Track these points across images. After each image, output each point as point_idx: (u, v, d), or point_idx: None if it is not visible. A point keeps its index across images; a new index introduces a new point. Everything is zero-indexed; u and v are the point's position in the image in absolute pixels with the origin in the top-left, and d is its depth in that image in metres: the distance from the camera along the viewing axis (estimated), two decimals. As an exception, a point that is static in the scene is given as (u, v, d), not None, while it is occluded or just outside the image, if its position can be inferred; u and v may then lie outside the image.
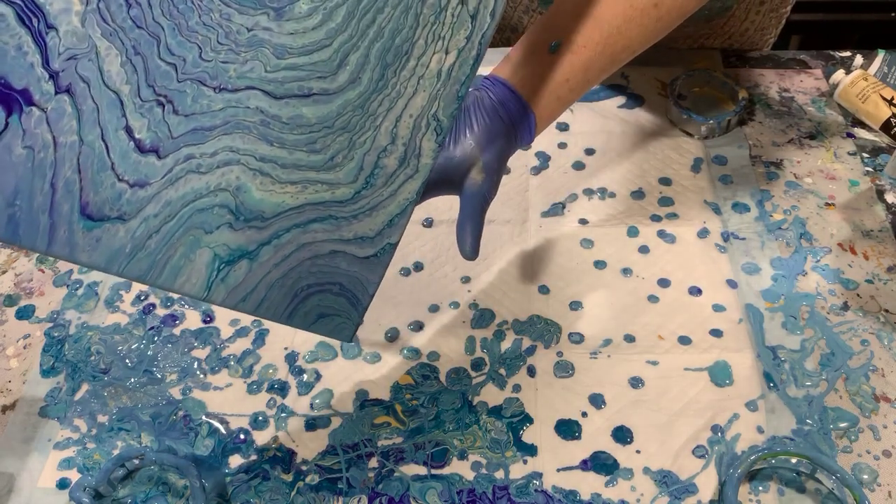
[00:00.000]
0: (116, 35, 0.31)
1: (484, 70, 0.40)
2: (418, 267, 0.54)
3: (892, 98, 0.59)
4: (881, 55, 0.65)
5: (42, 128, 0.31)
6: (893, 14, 1.07)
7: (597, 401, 0.46)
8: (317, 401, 0.48)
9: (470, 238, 0.41)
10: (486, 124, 0.41)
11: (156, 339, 0.51)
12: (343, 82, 0.33)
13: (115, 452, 0.46)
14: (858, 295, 0.50)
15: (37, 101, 0.30)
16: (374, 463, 0.44)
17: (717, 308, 0.50)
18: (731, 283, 0.51)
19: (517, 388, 0.47)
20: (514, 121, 0.42)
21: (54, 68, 0.30)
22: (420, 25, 0.33)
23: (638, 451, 0.44)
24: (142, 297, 0.54)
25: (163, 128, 0.32)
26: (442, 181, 0.41)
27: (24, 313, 0.54)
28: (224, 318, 0.52)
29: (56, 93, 0.30)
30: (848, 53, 0.68)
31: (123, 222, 0.33)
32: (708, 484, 0.42)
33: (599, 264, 0.53)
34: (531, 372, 0.48)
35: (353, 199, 0.36)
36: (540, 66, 0.42)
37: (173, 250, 0.34)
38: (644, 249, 0.54)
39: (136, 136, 0.32)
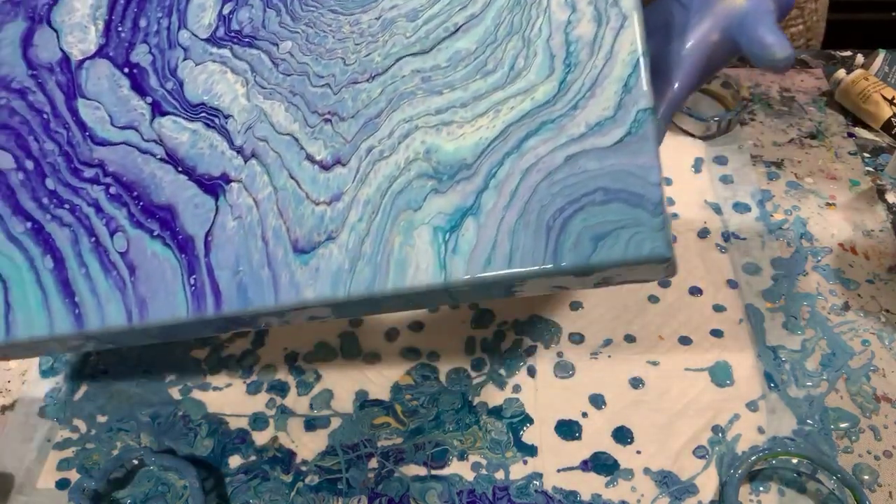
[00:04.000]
0: (275, 91, 0.34)
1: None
2: (418, 267, 0.54)
3: (893, 98, 0.59)
4: (882, 55, 0.65)
5: (243, 196, 0.33)
6: (894, 14, 1.07)
7: (597, 401, 0.46)
8: (316, 401, 0.47)
9: (774, 37, 0.32)
10: None
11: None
12: None
13: (115, 453, 0.46)
14: (859, 295, 0.50)
15: (233, 177, 0.33)
16: (373, 463, 0.44)
17: (718, 308, 0.50)
18: (732, 283, 0.51)
19: (517, 388, 0.47)
20: None
21: (238, 144, 0.34)
22: None
23: (638, 452, 0.44)
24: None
25: (337, 139, 0.33)
26: (683, 20, 0.33)
27: (24, 313, 0.54)
28: (224, 318, 0.52)
29: (245, 162, 0.33)
30: (849, 53, 0.68)
31: (333, 240, 0.32)
32: (708, 484, 0.42)
33: (600, 264, 0.53)
34: (531, 372, 0.48)
35: (561, 89, 0.31)
36: None
37: (390, 244, 0.32)
38: (644, 249, 0.54)
39: (318, 158, 0.33)
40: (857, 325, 0.49)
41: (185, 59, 0.36)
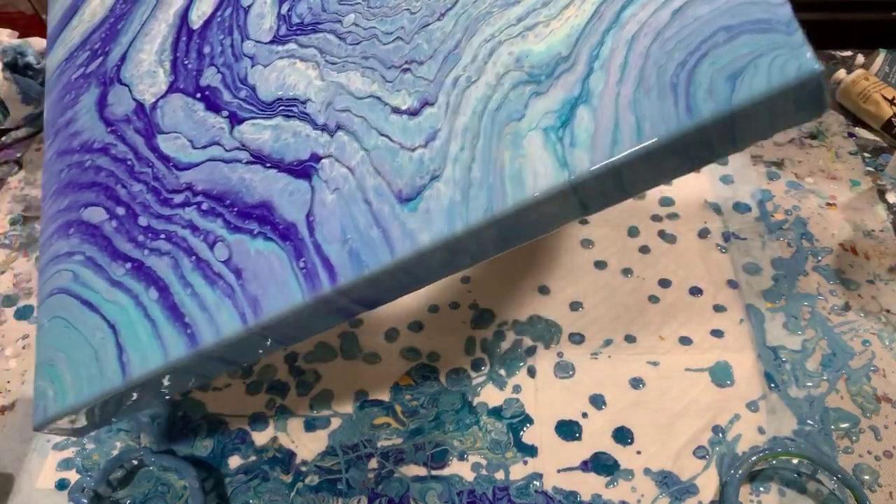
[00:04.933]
0: (347, 62, 0.34)
1: None
2: (418, 267, 0.54)
3: (894, 98, 0.59)
4: (882, 55, 0.65)
5: (336, 168, 0.33)
6: (894, 14, 1.07)
7: (597, 401, 0.46)
8: (316, 401, 0.47)
9: None
10: None
11: (155, 339, 0.51)
12: None
13: (114, 453, 0.46)
14: (859, 295, 0.50)
15: (322, 154, 0.33)
16: (373, 464, 0.44)
17: (718, 308, 0.50)
18: (732, 283, 0.51)
19: (517, 388, 0.47)
20: None
21: (321, 123, 0.34)
22: None
23: (638, 452, 0.44)
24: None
25: (419, 84, 0.33)
26: None
27: (23, 313, 0.54)
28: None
29: (331, 136, 0.33)
30: (849, 53, 0.68)
31: (438, 178, 0.31)
32: (709, 485, 0.42)
33: (600, 264, 0.53)
34: (531, 372, 0.48)
35: None
36: None
37: (500, 162, 0.30)
38: (644, 249, 0.54)
39: (403, 108, 0.33)
40: (857, 326, 0.49)
41: (253, 66, 0.36)
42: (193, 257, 0.34)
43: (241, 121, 0.35)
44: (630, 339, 0.49)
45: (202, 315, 0.33)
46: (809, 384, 0.46)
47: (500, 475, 0.43)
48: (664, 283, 0.52)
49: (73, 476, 0.45)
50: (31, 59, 0.68)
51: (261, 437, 0.46)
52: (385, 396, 0.47)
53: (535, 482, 0.43)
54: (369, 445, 0.45)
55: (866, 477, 0.42)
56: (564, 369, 0.48)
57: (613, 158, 0.28)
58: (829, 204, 0.56)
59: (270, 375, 0.49)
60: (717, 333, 0.49)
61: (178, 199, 0.36)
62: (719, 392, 0.46)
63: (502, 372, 0.48)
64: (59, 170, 0.40)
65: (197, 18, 0.39)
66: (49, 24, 0.45)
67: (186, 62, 0.38)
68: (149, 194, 0.36)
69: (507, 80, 0.31)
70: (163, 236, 0.35)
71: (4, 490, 0.44)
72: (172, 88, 0.38)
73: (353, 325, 0.51)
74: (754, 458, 0.41)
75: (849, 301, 0.50)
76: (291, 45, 0.36)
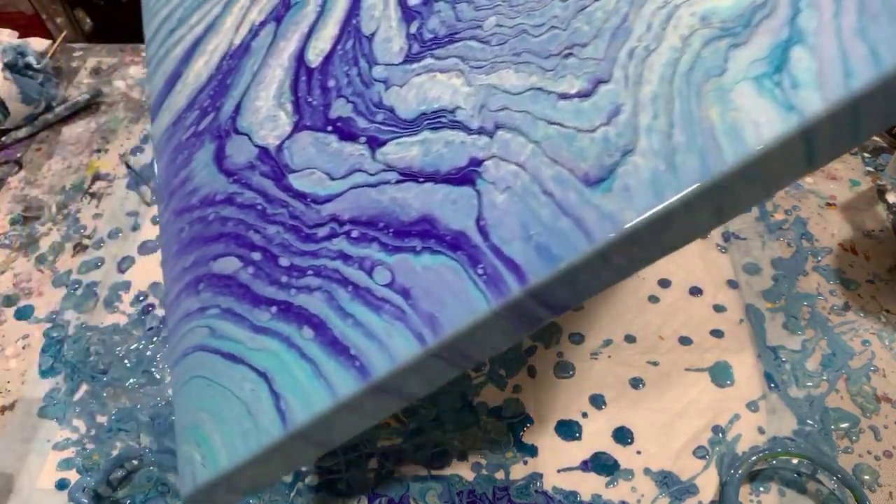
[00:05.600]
0: (496, 63, 0.32)
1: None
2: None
3: (893, 98, 0.59)
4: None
5: (502, 167, 0.30)
6: None
7: (597, 401, 0.46)
8: (316, 401, 0.47)
9: None
10: None
11: (155, 339, 0.51)
12: None
13: (115, 453, 0.46)
14: (859, 295, 0.50)
15: (483, 157, 0.31)
16: (373, 464, 0.44)
17: (718, 308, 0.50)
18: (732, 284, 0.51)
19: (517, 388, 0.47)
20: None
21: (476, 127, 0.32)
22: None
23: (638, 452, 0.44)
24: (141, 298, 0.54)
25: (587, 64, 0.30)
26: None
27: (23, 314, 0.54)
28: (223, 318, 0.52)
29: (490, 137, 0.31)
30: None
31: (631, 153, 0.28)
32: (709, 485, 0.42)
33: (600, 264, 0.53)
34: (531, 372, 0.48)
35: None
36: None
37: (707, 121, 0.27)
38: (644, 249, 0.54)
39: (572, 92, 0.30)
40: (857, 326, 0.49)
41: (387, 89, 0.34)
42: (350, 287, 0.31)
43: (382, 143, 0.33)
44: (630, 339, 0.49)
45: (370, 344, 0.30)
46: (809, 384, 0.46)
47: (500, 475, 0.43)
48: (664, 283, 0.52)
49: (73, 476, 0.45)
50: (31, 59, 0.68)
51: (261, 437, 0.46)
52: (385, 396, 0.47)
53: (535, 482, 0.43)
54: (369, 445, 0.45)
55: (866, 477, 0.42)
56: (564, 369, 0.48)
57: (852, 90, 0.25)
58: (828, 204, 0.56)
59: (270, 375, 0.49)
60: (717, 333, 0.49)
61: (322, 232, 0.33)
62: (719, 392, 0.46)
63: (502, 372, 0.48)
64: (179, 229, 0.38)
65: (315, 57, 0.37)
66: (150, 95, 0.44)
67: (310, 100, 0.36)
68: (287, 234, 0.34)
69: (695, 39, 0.28)
70: (310, 272, 0.33)
71: (4, 490, 0.44)
72: (298, 128, 0.36)
73: (353, 325, 0.51)
74: (754, 458, 0.41)
75: (849, 301, 0.50)
76: (428, 61, 0.34)
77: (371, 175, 0.33)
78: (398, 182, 0.32)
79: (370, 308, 0.31)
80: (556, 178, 0.29)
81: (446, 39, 0.34)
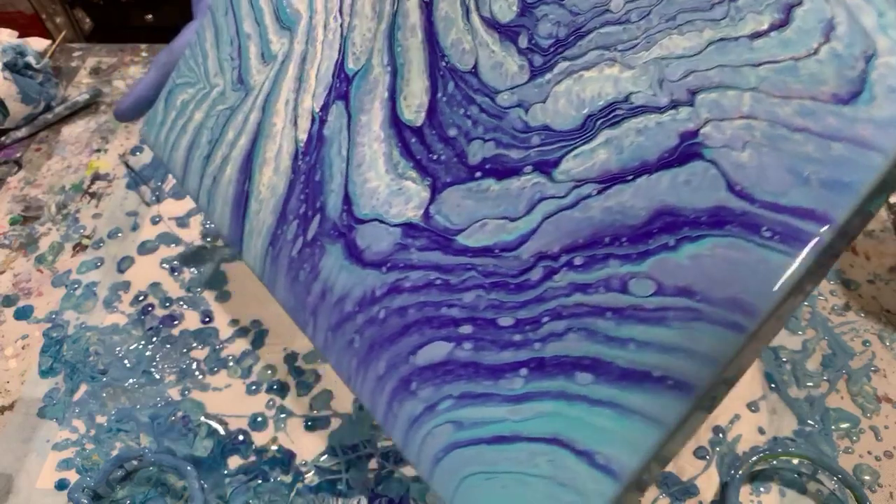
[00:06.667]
0: (649, 37, 0.29)
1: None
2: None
3: (894, 98, 0.59)
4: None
5: (724, 126, 0.28)
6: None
7: (597, 401, 0.46)
8: (316, 401, 0.47)
9: None
10: None
11: (154, 339, 0.51)
12: None
13: (114, 453, 0.46)
14: (860, 295, 0.50)
15: (694, 127, 0.28)
16: (373, 464, 0.44)
17: (719, 308, 0.50)
18: (733, 284, 0.51)
19: (517, 388, 0.47)
20: None
21: (666, 103, 0.29)
22: None
23: (639, 452, 0.44)
24: (140, 298, 0.54)
25: None
26: None
27: (23, 314, 0.54)
28: (223, 318, 0.52)
29: (691, 105, 0.28)
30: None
31: (874, 56, 0.25)
32: (709, 485, 0.42)
33: (600, 264, 0.53)
34: (532, 372, 0.47)
35: None
36: None
37: None
38: (645, 249, 0.54)
39: (764, 27, 0.27)
40: (857, 326, 0.49)
41: (527, 111, 0.30)
42: (608, 313, 0.28)
43: (556, 163, 0.30)
44: (630, 339, 0.49)
45: (673, 358, 0.26)
46: (810, 384, 0.46)
47: (500, 475, 0.43)
48: (664, 284, 0.52)
49: (73, 476, 0.45)
50: (30, 58, 0.68)
51: (261, 437, 0.46)
52: (385, 396, 0.47)
53: (535, 482, 0.43)
54: (369, 445, 0.45)
55: (867, 477, 0.42)
56: (565, 369, 0.47)
57: None
58: (829, 204, 0.56)
59: (270, 376, 0.49)
60: (717, 333, 0.49)
61: (535, 275, 0.29)
62: (720, 392, 0.46)
63: (502, 372, 0.48)
64: (348, 341, 0.34)
65: (414, 115, 0.34)
66: (220, 227, 0.40)
67: (434, 157, 0.33)
68: (493, 293, 0.30)
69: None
70: (546, 319, 0.29)
71: (4, 490, 0.44)
72: (438, 189, 0.32)
73: (353, 325, 0.51)
74: (755, 458, 0.41)
75: (849, 301, 0.50)
76: (562, 65, 0.30)
77: (562, 198, 0.29)
78: (602, 191, 0.29)
79: (650, 324, 0.27)
80: (801, 111, 0.26)
81: (573, 38, 0.30)
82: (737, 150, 0.27)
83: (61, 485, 0.44)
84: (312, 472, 0.44)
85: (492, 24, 0.32)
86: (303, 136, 0.37)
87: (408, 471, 0.44)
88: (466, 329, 0.31)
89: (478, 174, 0.32)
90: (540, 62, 0.31)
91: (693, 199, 0.27)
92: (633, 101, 0.29)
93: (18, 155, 0.67)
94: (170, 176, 0.64)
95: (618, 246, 0.28)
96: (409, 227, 0.33)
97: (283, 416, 0.47)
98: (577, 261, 0.29)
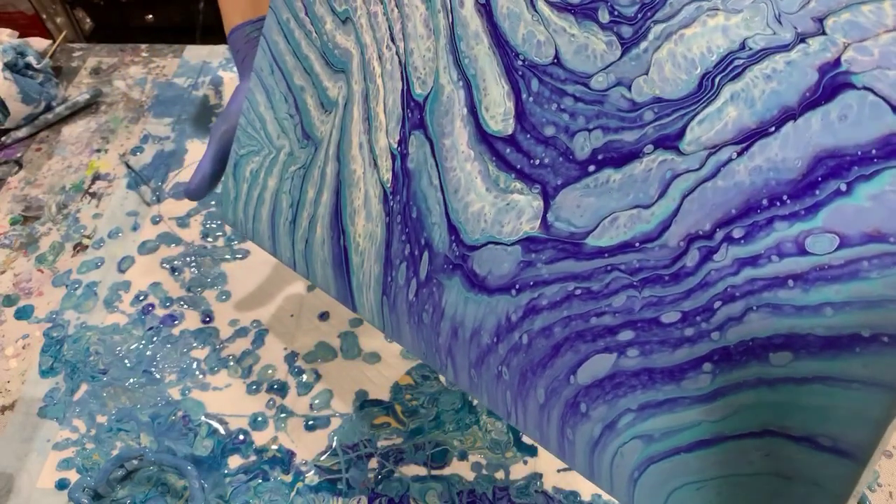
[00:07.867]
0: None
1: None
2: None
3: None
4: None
5: (868, 47, 0.25)
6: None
7: (597, 401, 0.46)
8: (316, 401, 0.47)
9: None
10: None
11: (155, 339, 0.51)
12: None
13: (114, 453, 0.46)
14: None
15: (832, 57, 0.25)
16: (373, 464, 0.44)
17: (718, 308, 0.50)
18: (732, 284, 0.51)
19: (517, 388, 0.47)
20: None
21: (792, 37, 0.25)
22: None
23: (639, 452, 0.44)
24: (140, 298, 0.54)
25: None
26: None
27: (23, 313, 0.54)
28: (223, 318, 0.52)
29: (822, 33, 0.25)
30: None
31: None
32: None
33: (600, 264, 0.53)
34: (531, 372, 0.47)
35: None
36: None
37: None
38: (645, 249, 0.54)
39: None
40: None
41: (629, 87, 0.28)
42: (790, 282, 0.25)
43: (679, 134, 0.27)
44: (630, 339, 0.49)
45: (881, 312, 0.23)
46: (809, 384, 0.46)
47: (500, 475, 0.43)
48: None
49: (73, 476, 0.45)
50: (31, 58, 0.68)
51: (261, 437, 0.46)
52: (385, 396, 0.47)
53: (535, 482, 0.43)
54: (369, 445, 0.45)
55: (866, 477, 0.42)
56: (564, 369, 0.47)
57: None
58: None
59: (270, 375, 0.49)
60: (716, 333, 0.49)
61: (691, 260, 0.27)
62: (719, 392, 0.46)
63: (502, 372, 0.48)
64: (495, 375, 0.32)
65: (502, 124, 0.31)
66: (327, 288, 0.38)
67: (537, 162, 0.30)
68: (645, 290, 0.28)
69: None
70: (717, 304, 0.26)
71: (4, 490, 0.44)
72: (551, 194, 0.30)
73: (352, 324, 0.51)
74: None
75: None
76: (656, 29, 0.27)
77: (698, 170, 0.27)
78: (743, 152, 0.26)
79: (843, 281, 0.24)
80: None
81: (656, 4, 0.28)
82: (893, 69, 0.24)
83: (62, 484, 0.44)
84: (312, 471, 0.44)
85: (562, 6, 0.29)
86: (387, 176, 0.34)
87: (408, 470, 0.44)
88: (626, 335, 0.28)
89: (591, 168, 0.29)
90: (629, 33, 0.28)
91: (855, 135, 0.24)
92: (751, 47, 0.26)
93: (19, 155, 0.67)
94: (170, 175, 0.64)
95: (780, 206, 0.25)
96: (528, 242, 0.30)
97: (283, 415, 0.47)
98: (736, 233, 0.26)
